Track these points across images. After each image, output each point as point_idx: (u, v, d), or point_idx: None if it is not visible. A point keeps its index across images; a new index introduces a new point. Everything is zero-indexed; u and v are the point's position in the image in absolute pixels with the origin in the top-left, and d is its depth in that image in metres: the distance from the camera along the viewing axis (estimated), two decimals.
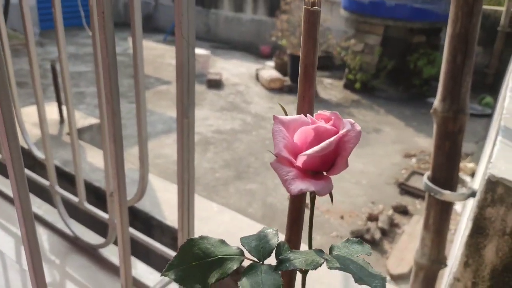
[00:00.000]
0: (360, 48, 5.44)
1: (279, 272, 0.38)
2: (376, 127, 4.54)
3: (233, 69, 6.24)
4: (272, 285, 0.36)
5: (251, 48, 7.34)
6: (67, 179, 1.73)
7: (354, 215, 2.97)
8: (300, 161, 0.35)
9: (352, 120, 0.35)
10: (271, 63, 6.19)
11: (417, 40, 5.27)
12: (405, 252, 2.38)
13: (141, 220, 1.48)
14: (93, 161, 1.82)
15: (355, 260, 0.37)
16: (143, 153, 0.91)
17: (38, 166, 1.67)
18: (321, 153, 0.33)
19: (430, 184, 1.41)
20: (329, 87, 5.70)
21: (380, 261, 2.50)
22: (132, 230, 1.08)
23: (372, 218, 2.88)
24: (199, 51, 5.86)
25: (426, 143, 4.11)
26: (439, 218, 1.45)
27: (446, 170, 1.40)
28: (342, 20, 6.12)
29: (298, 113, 0.40)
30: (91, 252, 1.21)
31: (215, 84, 5.43)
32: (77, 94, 4.85)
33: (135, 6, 0.78)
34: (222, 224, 1.44)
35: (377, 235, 2.67)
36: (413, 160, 3.80)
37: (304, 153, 0.34)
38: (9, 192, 1.45)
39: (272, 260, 0.41)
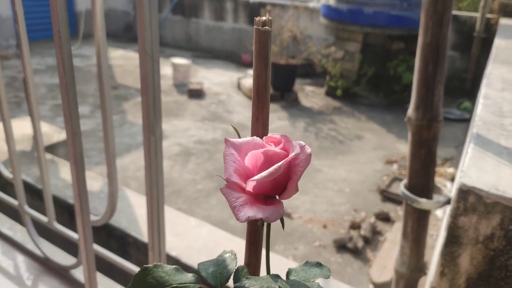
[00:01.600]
0: (341, 55, 5.50)
1: None
2: (358, 134, 4.57)
3: (215, 78, 6.23)
4: None
5: (232, 57, 7.35)
6: (39, 196, 1.68)
7: (337, 224, 2.97)
8: (249, 186, 0.33)
9: (302, 142, 0.33)
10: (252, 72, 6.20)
11: (396, 47, 5.36)
12: (387, 260, 2.38)
13: (117, 237, 1.44)
14: (68, 177, 1.77)
15: (310, 286, 0.36)
16: (111, 169, 0.89)
17: (9, 184, 1.62)
18: (270, 178, 0.32)
19: (407, 192, 1.42)
20: (310, 95, 5.73)
21: (363, 270, 2.49)
22: (103, 250, 1.04)
23: (355, 226, 2.88)
24: (180, 60, 5.83)
25: (407, 149, 4.15)
26: (417, 226, 1.46)
27: (422, 178, 1.41)
28: (322, 28, 6.19)
29: (252, 135, 0.39)
30: (62, 274, 1.16)
31: (196, 94, 5.40)
32: (55, 106, 4.76)
33: (99, 23, 0.76)
34: (200, 239, 1.41)
35: (360, 243, 2.67)
36: (395, 166, 3.84)
37: (252, 178, 0.32)
38: None
39: (230, 285, 0.40)
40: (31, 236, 1.17)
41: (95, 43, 0.79)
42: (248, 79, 5.77)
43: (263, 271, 0.43)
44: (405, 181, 1.48)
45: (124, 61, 6.91)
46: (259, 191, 0.34)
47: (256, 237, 0.42)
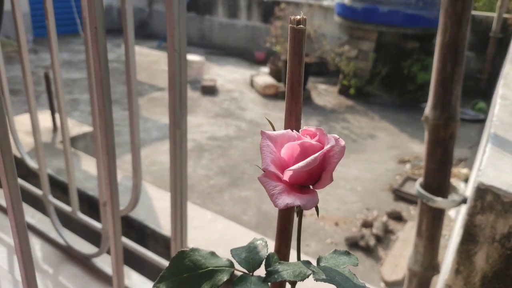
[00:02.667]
0: (354, 54, 5.48)
1: (268, 283, 0.39)
2: (371, 133, 4.56)
3: (228, 75, 6.26)
4: None
5: (245, 54, 7.37)
6: (60, 188, 1.72)
7: (349, 222, 2.98)
8: (286, 175, 0.35)
9: (336, 135, 0.35)
10: (265, 69, 6.21)
11: (410, 46, 5.32)
12: (399, 258, 2.39)
13: (135, 229, 1.47)
14: (87, 169, 1.81)
15: (341, 271, 0.38)
16: (136, 162, 0.92)
17: (31, 175, 1.66)
18: (306, 168, 0.34)
19: (422, 191, 1.42)
20: (323, 93, 5.73)
21: (374, 268, 2.50)
22: (125, 240, 1.08)
23: (367, 224, 2.89)
24: (193, 57, 5.87)
25: (420, 148, 4.14)
26: (432, 225, 1.46)
27: (438, 177, 1.41)
28: (336, 26, 6.17)
29: (285, 128, 0.41)
30: (84, 262, 1.20)
31: (210, 91, 5.44)
32: (71, 101, 4.84)
33: (128, 18, 0.79)
34: (216, 232, 1.44)
35: (372, 242, 2.68)
36: (408, 166, 3.82)
37: (290, 168, 0.35)
38: (1, 201, 1.45)
39: (261, 271, 0.42)
40: (54, 225, 1.21)
41: (124, 39, 0.82)
42: (261, 76, 5.78)
43: (292, 259, 0.45)
44: (420, 179, 1.48)
45: (139, 57, 6.97)
46: (295, 181, 0.36)
47: (286, 225, 0.44)
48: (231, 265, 0.42)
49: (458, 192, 2.89)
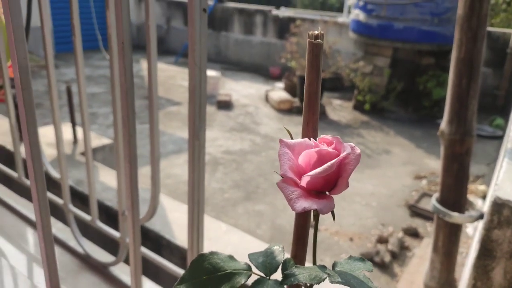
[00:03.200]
0: (369, 69, 5.49)
1: (285, 286, 0.40)
2: (386, 149, 4.53)
3: (243, 90, 6.33)
4: None
5: (260, 70, 7.45)
6: (79, 198, 1.76)
7: (364, 237, 2.95)
8: (304, 181, 0.37)
9: (352, 144, 0.37)
10: (280, 85, 6.26)
11: (426, 62, 5.31)
12: (415, 275, 2.35)
13: (151, 239, 1.49)
14: (105, 180, 1.86)
15: (356, 276, 0.39)
16: (155, 172, 0.94)
17: (51, 184, 1.71)
18: (323, 174, 0.36)
19: (439, 206, 1.42)
20: (338, 108, 5.73)
21: (390, 285, 2.46)
22: (142, 249, 1.10)
23: (382, 240, 2.85)
24: (209, 72, 5.97)
25: (436, 164, 4.09)
26: (448, 240, 1.45)
27: (455, 192, 1.40)
28: (351, 42, 6.21)
29: (303, 137, 0.43)
30: (101, 270, 1.22)
31: (225, 105, 5.50)
32: (90, 114, 4.94)
33: (151, 35, 0.83)
34: (230, 244, 1.45)
35: (387, 258, 2.64)
36: (424, 181, 3.78)
37: (308, 174, 0.36)
38: (19, 207, 1.49)
39: (278, 276, 0.43)
40: (74, 234, 1.24)
41: (147, 56, 0.86)
42: (276, 91, 5.83)
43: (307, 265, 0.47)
44: (436, 195, 1.48)
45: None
46: (312, 187, 0.37)
47: (303, 232, 0.45)
48: (249, 268, 0.44)
49: (475, 208, 2.84)
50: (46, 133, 2.20)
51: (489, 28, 5.73)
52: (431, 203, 1.47)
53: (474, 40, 1.27)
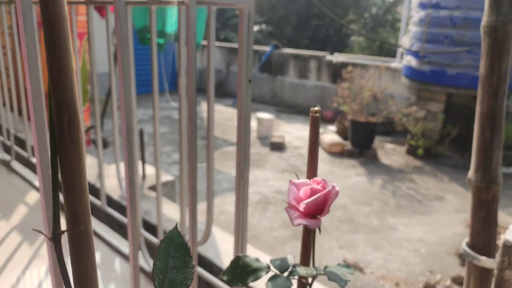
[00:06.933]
0: (422, 114, 5.51)
1: (291, 278, 0.60)
2: (439, 195, 4.47)
3: (296, 132, 6.56)
4: (286, 286, 0.58)
5: None
6: (146, 226, 2.04)
7: (410, 283, 2.95)
8: (301, 207, 0.57)
9: (334, 184, 0.56)
10: (333, 128, 6.42)
11: None
12: None
13: (205, 265, 1.70)
14: (167, 212, 2.13)
15: (340, 275, 0.58)
16: (210, 203, 1.17)
17: (123, 213, 2.01)
18: (313, 203, 0.55)
19: (468, 250, 1.50)
20: (390, 153, 5.75)
21: None
22: (199, 269, 1.31)
23: (429, 287, 2.84)
24: (264, 115, 6.30)
25: None
26: (479, 284, 1.51)
27: (483, 237, 1.48)
28: (404, 87, 6.28)
29: (307, 178, 0.63)
30: None
31: (278, 147, 5.74)
32: (153, 153, 5.41)
33: (210, 83, 1.08)
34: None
35: None
36: None
37: (303, 201, 0.56)
38: (105, 235, 1.78)
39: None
40: (143, 254, 1.49)
41: (207, 98, 1.11)
42: (327, 134, 5.99)
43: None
44: (467, 239, 1.56)
45: (215, 114, 7.58)
46: (307, 211, 0.57)
47: (308, 245, 0.65)
48: (268, 267, 0.63)
49: None
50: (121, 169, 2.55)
51: None
52: (461, 247, 1.55)
53: (495, 96, 1.40)
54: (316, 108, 0.63)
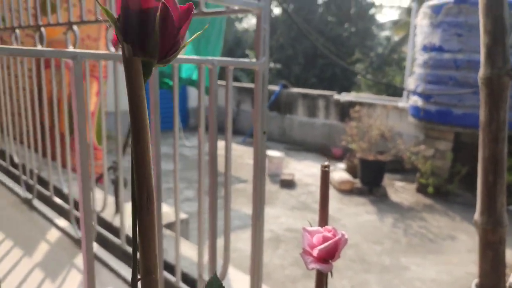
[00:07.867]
0: (431, 153, 5.56)
1: None
2: (451, 234, 4.45)
3: (306, 169, 6.62)
4: None
5: (323, 150, 7.77)
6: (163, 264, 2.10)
7: None
8: (315, 253, 0.64)
9: (344, 232, 0.64)
10: (342, 165, 6.48)
11: None
12: None
13: None
14: (182, 250, 2.19)
15: None
16: (227, 241, 1.24)
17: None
18: (325, 249, 0.63)
19: None
20: (400, 190, 5.76)
21: None
22: None
23: None
24: (273, 153, 6.40)
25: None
26: None
27: (491, 278, 1.52)
28: (411, 126, 6.37)
29: (319, 225, 0.71)
30: None
31: (288, 184, 5.80)
32: (167, 189, 5.49)
33: (229, 129, 1.18)
34: None
35: None
36: None
37: (316, 248, 0.64)
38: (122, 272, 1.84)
39: None
40: None
41: (225, 139, 1.21)
42: (337, 172, 6.04)
43: None
44: (476, 280, 1.59)
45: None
46: (320, 256, 0.65)
47: (321, 286, 0.72)
48: None
49: None
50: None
51: None
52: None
53: (496, 142, 1.48)
54: (326, 163, 0.71)
